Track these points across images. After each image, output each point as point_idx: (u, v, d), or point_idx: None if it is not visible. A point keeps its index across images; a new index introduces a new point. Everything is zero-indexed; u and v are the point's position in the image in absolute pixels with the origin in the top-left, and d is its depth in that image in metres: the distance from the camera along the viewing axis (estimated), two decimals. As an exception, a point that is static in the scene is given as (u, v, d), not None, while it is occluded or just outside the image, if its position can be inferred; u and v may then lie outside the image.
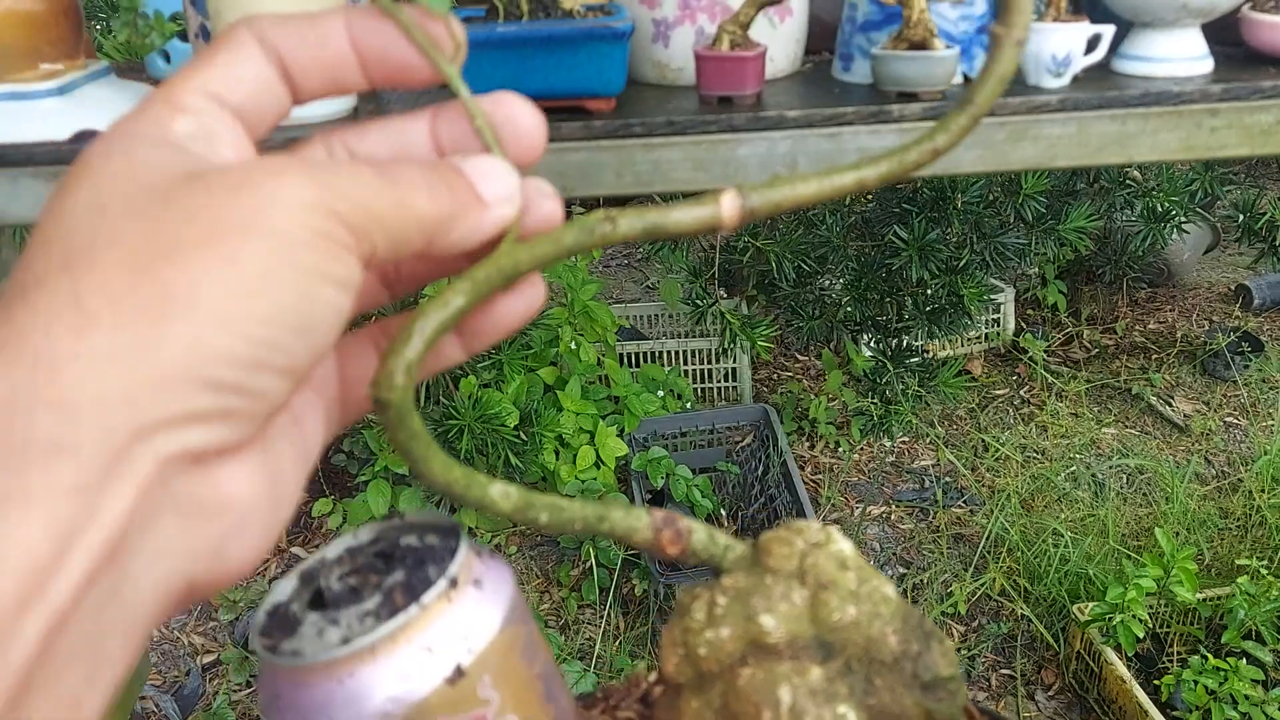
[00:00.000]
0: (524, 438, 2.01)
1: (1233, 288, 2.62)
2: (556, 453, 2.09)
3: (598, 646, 1.91)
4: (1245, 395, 2.26)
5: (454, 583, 0.38)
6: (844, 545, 0.45)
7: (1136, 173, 1.85)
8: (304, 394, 0.33)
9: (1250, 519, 1.96)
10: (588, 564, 2.07)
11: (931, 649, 0.43)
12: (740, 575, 0.44)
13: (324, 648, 0.37)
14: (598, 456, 2.08)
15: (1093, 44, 0.59)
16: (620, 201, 2.24)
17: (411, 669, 0.36)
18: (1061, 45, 0.57)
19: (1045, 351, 2.43)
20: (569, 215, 0.38)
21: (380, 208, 0.27)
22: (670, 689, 0.44)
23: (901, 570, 2.05)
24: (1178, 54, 0.59)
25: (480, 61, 0.53)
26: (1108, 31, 0.59)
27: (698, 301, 1.92)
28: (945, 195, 1.85)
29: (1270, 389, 2.28)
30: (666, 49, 0.64)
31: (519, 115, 0.32)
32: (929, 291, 1.98)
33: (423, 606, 0.37)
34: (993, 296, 2.37)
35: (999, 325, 2.47)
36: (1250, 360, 2.30)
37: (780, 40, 0.65)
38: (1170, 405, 2.29)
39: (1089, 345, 2.51)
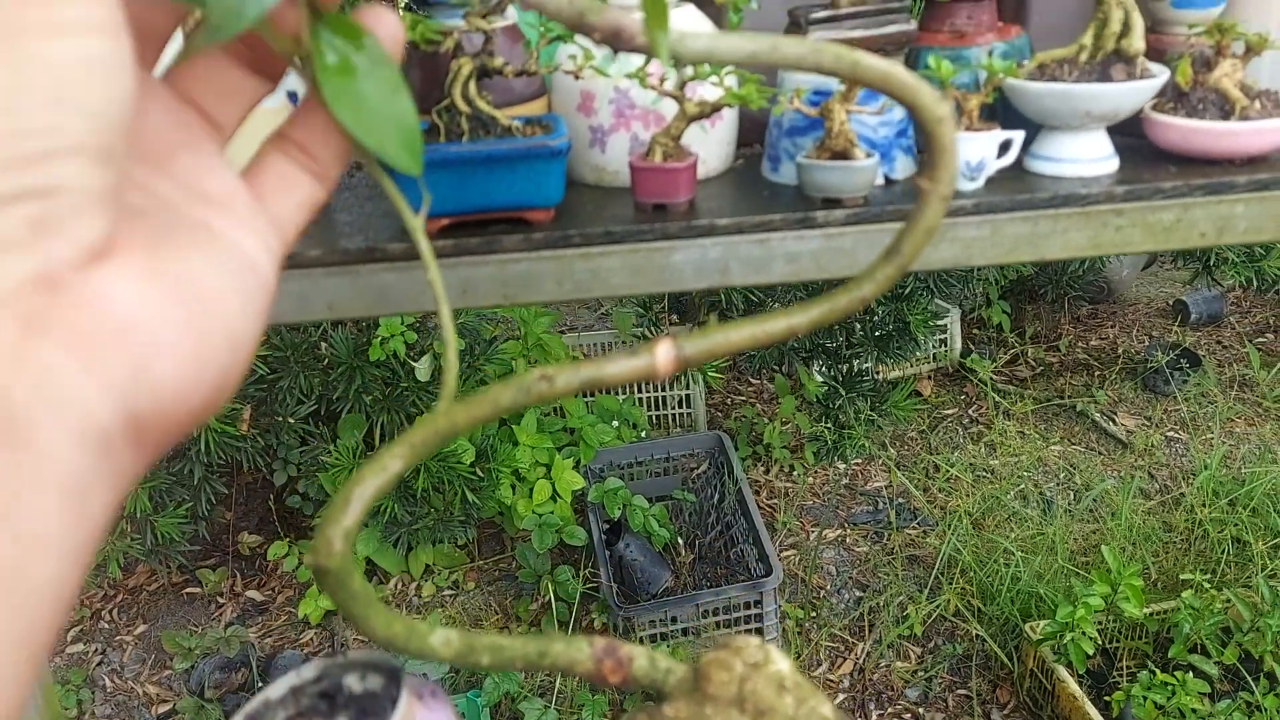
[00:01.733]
0: (480, 474, 2.00)
1: (1170, 303, 2.68)
2: (513, 487, 2.08)
3: (558, 682, 1.90)
4: (1185, 410, 2.31)
5: (396, 733, 0.38)
6: (782, 665, 0.46)
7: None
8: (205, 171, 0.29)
9: (1193, 532, 2.01)
10: (547, 598, 2.07)
11: None
12: (681, 703, 0.44)
13: None
14: (554, 490, 2.07)
15: (1004, 148, 0.61)
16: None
17: None
18: (975, 152, 0.58)
19: (992, 371, 2.47)
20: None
21: None
22: None
23: (858, 593, 2.07)
24: (1085, 155, 0.61)
25: (424, 178, 0.53)
26: (1018, 137, 0.61)
27: (649, 333, 1.93)
28: (890, 224, 1.88)
29: (1208, 403, 2.33)
30: (603, 154, 0.64)
31: None
32: (876, 318, 2.01)
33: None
34: (938, 319, 2.40)
35: (946, 345, 2.50)
36: (1189, 375, 2.36)
37: (712, 143, 0.65)
38: (1113, 421, 2.33)
39: (1034, 363, 2.56)
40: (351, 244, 0.57)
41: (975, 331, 2.62)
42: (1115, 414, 2.36)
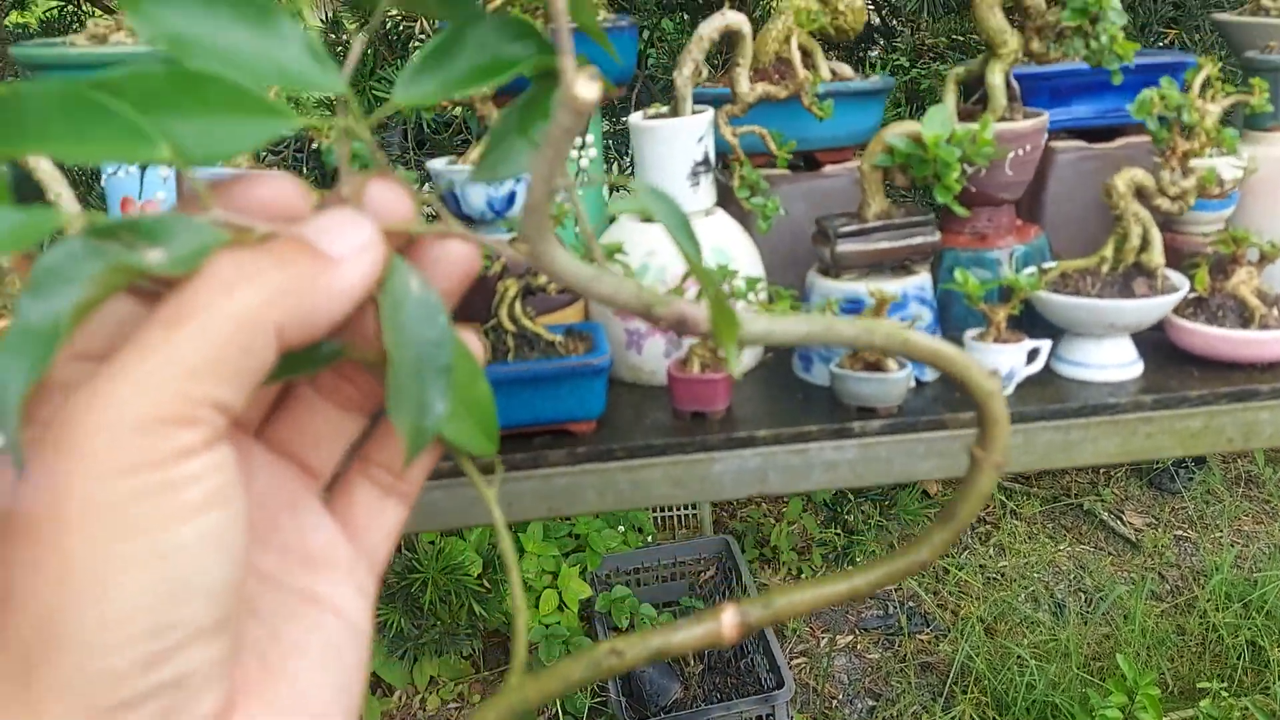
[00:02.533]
0: (487, 585, 1.98)
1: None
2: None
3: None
4: (1192, 509, 2.31)
5: None
6: None
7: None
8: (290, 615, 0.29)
9: (1208, 636, 1.99)
10: (554, 711, 2.03)
11: None
12: None
13: None
14: (561, 599, 2.05)
15: (1032, 356, 0.62)
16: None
17: None
18: (1005, 363, 0.60)
19: (998, 467, 2.47)
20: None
21: (214, 343, 0.22)
22: None
23: (871, 703, 2.04)
24: (1110, 361, 0.62)
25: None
26: (1045, 346, 0.62)
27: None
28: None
29: (1216, 501, 2.33)
30: (640, 355, 0.65)
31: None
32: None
33: None
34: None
35: (952, 442, 2.51)
36: (1194, 473, 2.36)
37: (745, 344, 0.66)
38: (1121, 520, 2.33)
39: (1040, 459, 2.56)
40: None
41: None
42: (1123, 513, 2.35)
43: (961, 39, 1.45)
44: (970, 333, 0.63)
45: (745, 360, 0.67)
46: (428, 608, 1.96)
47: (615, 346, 0.66)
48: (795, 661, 2.14)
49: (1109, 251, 0.62)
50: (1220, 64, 0.65)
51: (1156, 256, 0.61)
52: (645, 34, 1.54)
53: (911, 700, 2.02)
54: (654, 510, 2.42)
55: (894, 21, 1.51)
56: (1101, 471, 2.49)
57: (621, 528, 2.23)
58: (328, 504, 0.33)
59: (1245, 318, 0.62)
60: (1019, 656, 1.98)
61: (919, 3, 1.41)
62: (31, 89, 0.20)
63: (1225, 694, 1.79)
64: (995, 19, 0.65)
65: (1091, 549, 2.26)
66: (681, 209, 0.37)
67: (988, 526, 2.35)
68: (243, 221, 0.25)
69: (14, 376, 0.20)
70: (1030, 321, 0.65)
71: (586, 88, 0.30)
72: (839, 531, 2.04)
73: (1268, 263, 0.63)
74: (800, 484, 0.60)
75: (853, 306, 0.61)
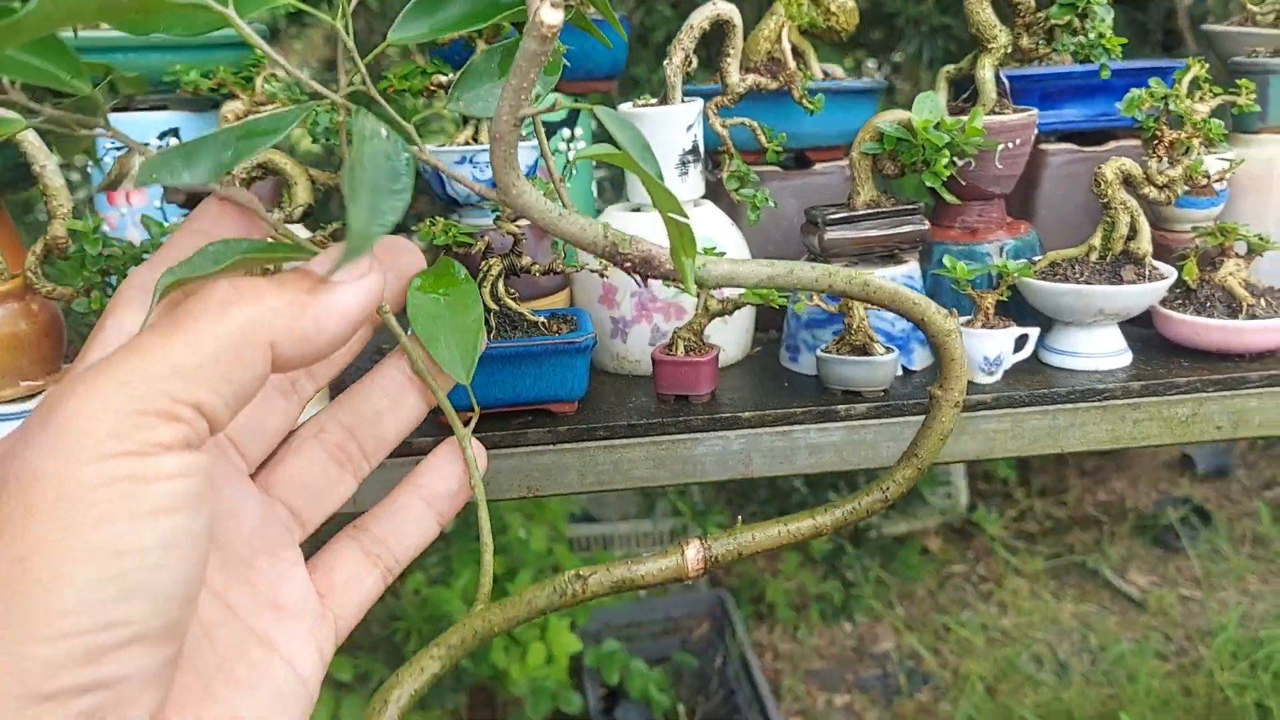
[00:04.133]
0: (475, 636, 1.93)
1: (1178, 456, 2.67)
2: (506, 649, 2.01)
3: None
4: (1197, 567, 2.27)
5: None
6: None
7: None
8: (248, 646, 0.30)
9: (1214, 698, 1.94)
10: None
11: None
12: None
13: None
14: (549, 653, 2.00)
15: (1020, 343, 0.61)
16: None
17: None
18: (993, 348, 0.59)
19: (1000, 526, 2.44)
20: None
21: (210, 352, 0.23)
22: None
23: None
24: (1099, 350, 0.61)
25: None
26: (1033, 333, 0.62)
27: (648, 492, 1.91)
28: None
29: (1221, 560, 2.30)
30: (625, 344, 0.65)
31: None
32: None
33: None
34: (945, 474, 2.38)
35: (952, 499, 2.48)
36: (1198, 531, 2.33)
37: (731, 332, 0.66)
38: (1125, 579, 2.29)
39: (1042, 518, 2.53)
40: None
41: (982, 485, 2.60)
42: (1127, 571, 2.31)
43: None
44: (959, 320, 0.62)
45: (730, 352, 0.67)
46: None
47: (600, 334, 0.65)
48: (791, 720, 2.08)
49: (1097, 240, 0.62)
50: (1207, 68, 0.65)
51: (1144, 244, 0.61)
52: (633, 32, 1.58)
53: (911, 763, 1.96)
54: (648, 563, 2.38)
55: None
56: (1105, 529, 2.45)
57: (615, 580, 2.19)
58: (312, 558, 0.35)
59: (1233, 308, 0.61)
60: (1021, 717, 1.92)
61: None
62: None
63: (1235, 757, 1.74)
64: (985, 14, 0.65)
65: (1096, 608, 2.21)
66: (643, 135, 0.37)
67: (990, 584, 2.30)
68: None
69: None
70: (1020, 314, 0.64)
71: (550, 13, 0.31)
72: (836, 584, 2.00)
73: (1255, 255, 0.63)
74: (784, 467, 0.59)
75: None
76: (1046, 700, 1.98)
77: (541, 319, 0.58)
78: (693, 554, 0.44)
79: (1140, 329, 0.66)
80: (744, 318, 0.66)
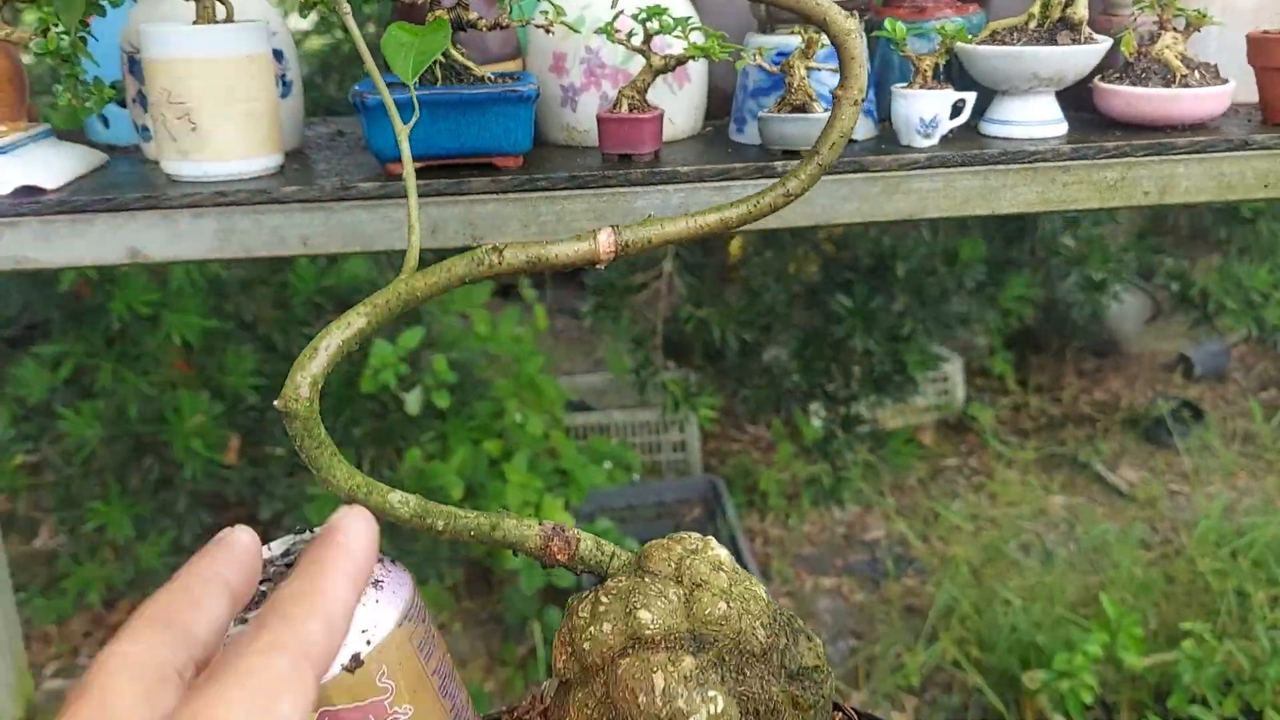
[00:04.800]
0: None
1: (1176, 358, 2.68)
2: (503, 526, 2.06)
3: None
4: (1188, 462, 2.29)
5: (353, 580, 0.40)
6: (720, 552, 0.47)
7: (1070, 241, 1.90)
8: None
9: (1194, 584, 1.97)
10: (533, 642, 2.03)
11: (799, 643, 0.44)
12: (622, 579, 0.45)
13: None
14: (545, 529, 2.05)
15: (958, 109, 0.62)
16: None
17: None
18: (928, 109, 0.60)
19: (994, 421, 2.46)
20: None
21: None
22: (561, 687, 0.45)
23: (853, 643, 2.03)
24: (1034, 118, 0.62)
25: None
26: (970, 97, 0.63)
27: (640, 370, 1.93)
28: (886, 264, 1.89)
29: (1211, 456, 2.31)
30: (574, 113, 0.66)
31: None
32: (875, 358, 2.01)
33: (323, 600, 0.39)
34: (940, 366, 2.40)
35: (948, 395, 2.50)
36: (1191, 428, 2.34)
37: (680, 105, 0.67)
38: (1115, 473, 2.31)
39: (1036, 415, 2.54)
40: (326, 183, 0.59)
41: (979, 381, 2.61)
42: (1117, 466, 2.33)
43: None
44: (898, 85, 0.63)
45: (680, 125, 0.68)
46: (409, 530, 1.96)
47: (550, 105, 0.67)
48: (779, 602, 2.13)
49: (1036, 9, 0.63)
50: None
51: (1081, 9, 0.62)
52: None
53: (894, 640, 2.00)
54: (643, 452, 2.42)
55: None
56: (1099, 425, 2.47)
57: (609, 464, 2.23)
58: None
59: (1168, 80, 0.62)
60: (1005, 599, 1.96)
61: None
62: None
63: (1209, 636, 1.77)
64: None
65: (1084, 499, 2.24)
66: None
67: (981, 476, 2.33)
68: None
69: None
70: (961, 90, 0.65)
71: None
72: (827, 467, 2.03)
73: (1193, 30, 0.63)
74: (717, 223, 0.61)
75: (781, 58, 0.62)
76: (1030, 584, 2.02)
77: (488, 73, 0.60)
78: (604, 238, 0.46)
79: (1084, 114, 0.67)
80: (693, 92, 0.68)
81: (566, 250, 0.45)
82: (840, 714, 0.54)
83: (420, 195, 0.59)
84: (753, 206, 0.46)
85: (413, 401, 1.90)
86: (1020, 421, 2.53)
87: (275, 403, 0.38)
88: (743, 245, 2.25)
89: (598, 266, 0.45)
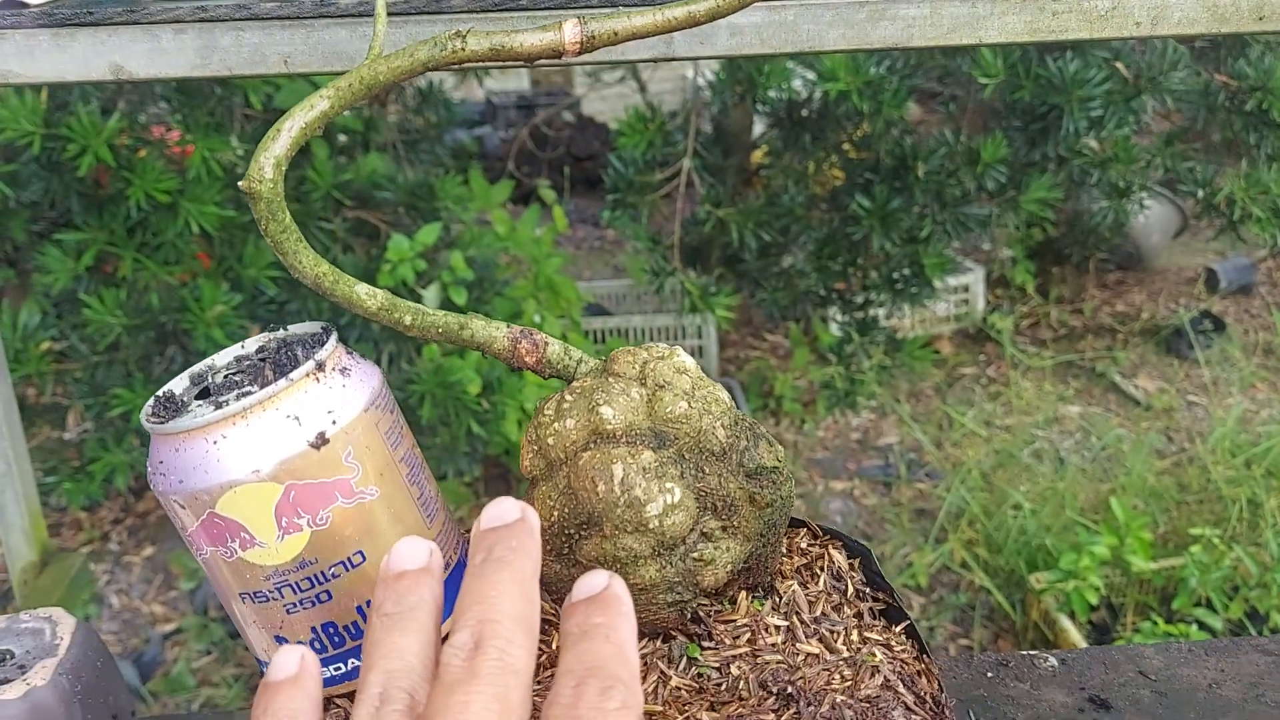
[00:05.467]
0: (486, 406, 2.01)
1: (1201, 272, 2.64)
2: (520, 424, 2.09)
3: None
4: (1207, 374, 2.27)
5: (320, 365, 0.42)
6: (685, 359, 0.47)
7: (1094, 143, 1.86)
8: None
9: (1207, 491, 1.97)
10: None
11: (759, 446, 0.45)
12: (588, 380, 0.46)
13: (201, 416, 0.41)
14: (561, 428, 2.08)
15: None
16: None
17: (279, 433, 0.40)
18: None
19: (1013, 330, 2.44)
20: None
21: None
22: (530, 487, 0.46)
23: (862, 544, 2.05)
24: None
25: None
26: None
27: (657, 271, 1.93)
28: (906, 164, 1.86)
29: (1231, 368, 2.29)
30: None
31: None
32: (892, 261, 1.99)
33: (290, 380, 0.41)
34: (961, 275, 2.38)
35: (968, 305, 2.48)
36: (1212, 340, 2.32)
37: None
38: (1133, 383, 2.30)
39: (1056, 325, 2.52)
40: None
41: (999, 291, 2.59)
42: (1136, 376, 2.32)
43: None
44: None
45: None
46: (426, 424, 2.00)
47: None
48: (790, 502, 2.16)
49: None
50: None
51: None
52: None
53: (903, 541, 2.03)
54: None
55: None
56: (1119, 336, 2.45)
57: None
58: None
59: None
60: (1015, 504, 1.97)
61: None
62: None
63: (1218, 542, 1.77)
64: None
65: (1101, 409, 2.23)
66: None
67: (997, 385, 2.33)
68: None
69: None
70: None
71: None
72: (842, 370, 2.04)
73: None
74: (706, 47, 0.60)
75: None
76: (1041, 489, 2.02)
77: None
78: (570, 28, 0.45)
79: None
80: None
81: (531, 40, 0.45)
82: (805, 529, 0.55)
83: (398, 14, 0.58)
84: (714, 3, 0.46)
85: (430, 297, 1.91)
86: (1039, 331, 2.52)
87: (239, 184, 0.39)
88: (764, 152, 2.23)
89: (564, 58, 0.45)
